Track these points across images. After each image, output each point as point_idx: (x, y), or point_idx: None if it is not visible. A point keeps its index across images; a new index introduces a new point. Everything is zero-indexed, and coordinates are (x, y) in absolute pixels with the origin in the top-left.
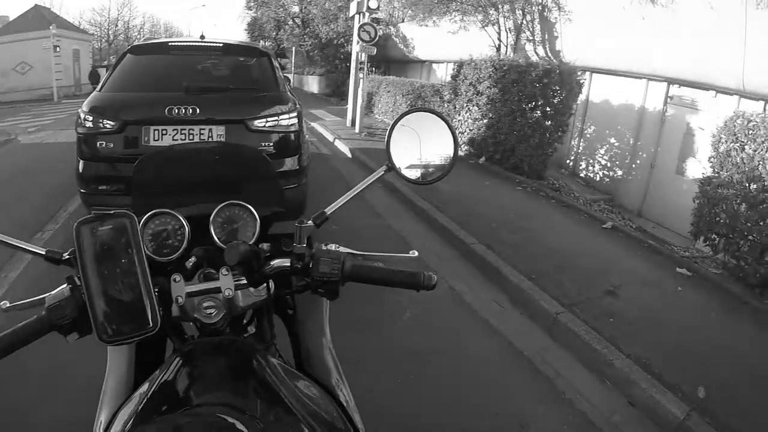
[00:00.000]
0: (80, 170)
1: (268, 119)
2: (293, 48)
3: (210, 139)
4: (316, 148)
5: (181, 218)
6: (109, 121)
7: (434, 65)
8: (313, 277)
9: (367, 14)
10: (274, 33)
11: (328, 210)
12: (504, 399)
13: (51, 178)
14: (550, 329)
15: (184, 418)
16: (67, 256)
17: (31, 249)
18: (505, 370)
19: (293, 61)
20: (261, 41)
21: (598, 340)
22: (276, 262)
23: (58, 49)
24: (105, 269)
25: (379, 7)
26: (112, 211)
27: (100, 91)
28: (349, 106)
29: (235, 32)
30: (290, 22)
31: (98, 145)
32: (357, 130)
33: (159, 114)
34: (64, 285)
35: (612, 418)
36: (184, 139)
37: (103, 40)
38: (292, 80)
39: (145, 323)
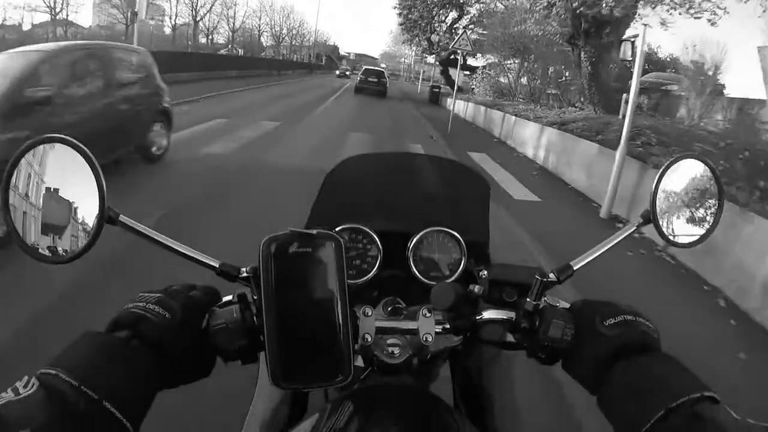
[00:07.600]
0: None
1: None
2: None
3: None
4: None
5: (375, 238)
6: None
7: None
8: (539, 340)
9: None
10: None
11: (575, 264)
12: None
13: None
14: None
15: None
16: (246, 274)
17: (203, 260)
18: None
19: None
20: None
21: None
22: (492, 314)
23: None
24: (294, 299)
25: None
26: (314, 231)
27: None
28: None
29: None
30: None
31: None
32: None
33: None
34: (231, 300)
35: None
36: None
37: None
38: None
39: (338, 371)
